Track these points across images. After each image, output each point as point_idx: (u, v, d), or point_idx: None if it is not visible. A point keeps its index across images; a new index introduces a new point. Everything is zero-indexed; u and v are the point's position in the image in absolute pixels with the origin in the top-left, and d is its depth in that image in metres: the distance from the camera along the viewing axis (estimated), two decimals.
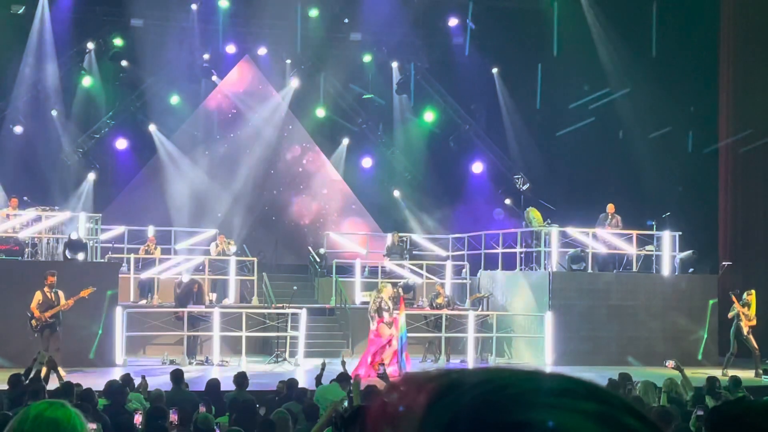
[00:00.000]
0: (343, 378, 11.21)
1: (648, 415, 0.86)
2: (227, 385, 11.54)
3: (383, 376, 11.96)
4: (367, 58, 27.19)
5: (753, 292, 18.17)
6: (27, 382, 10.70)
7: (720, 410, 2.19)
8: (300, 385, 11.67)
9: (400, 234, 23.60)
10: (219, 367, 17.40)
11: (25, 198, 20.38)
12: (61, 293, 15.41)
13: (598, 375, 13.38)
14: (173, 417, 8.24)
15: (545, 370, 0.91)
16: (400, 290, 17.63)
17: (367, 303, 20.36)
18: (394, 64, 27.41)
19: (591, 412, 0.83)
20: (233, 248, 21.63)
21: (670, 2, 24.06)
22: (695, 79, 23.70)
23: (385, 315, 16.62)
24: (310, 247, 24.88)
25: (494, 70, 27.09)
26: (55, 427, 2.28)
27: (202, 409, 9.26)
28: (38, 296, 15.33)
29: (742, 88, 22.33)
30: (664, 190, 23.46)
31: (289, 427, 7.37)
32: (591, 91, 24.86)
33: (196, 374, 15.34)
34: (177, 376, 11.24)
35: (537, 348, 19.29)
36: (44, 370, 11.45)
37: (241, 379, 11.17)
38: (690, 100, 23.69)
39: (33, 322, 15.24)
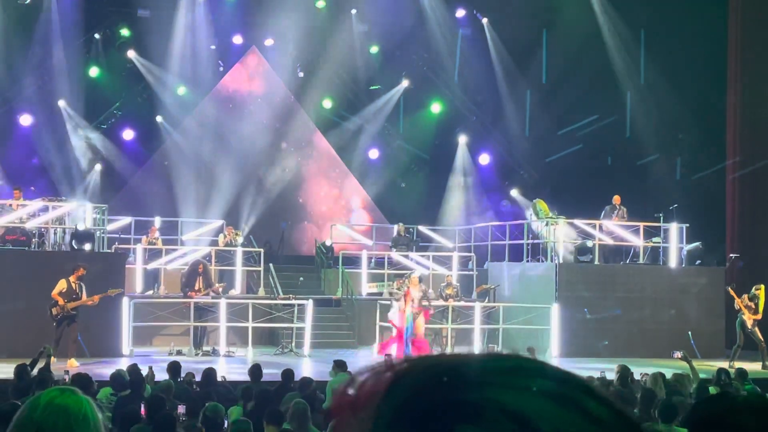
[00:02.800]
0: (340, 365, 11.23)
1: (612, 399, 0.84)
2: (232, 376, 11.53)
3: None
4: (374, 49, 27.14)
5: (762, 287, 18.00)
6: (34, 373, 10.69)
7: (700, 409, 2.15)
8: (304, 375, 11.66)
9: (406, 225, 23.57)
10: (225, 358, 17.42)
11: (32, 188, 20.39)
12: (83, 286, 15.41)
13: (605, 366, 13.36)
14: (181, 409, 8.24)
15: (505, 352, 0.89)
16: (423, 286, 17.59)
17: (373, 294, 20.42)
18: (401, 56, 27.34)
19: (545, 392, 0.81)
20: (240, 239, 21.64)
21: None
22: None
23: (402, 304, 16.67)
24: (316, 239, 24.89)
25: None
26: (65, 415, 2.26)
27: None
28: (62, 284, 15.26)
29: (750, 102, 22.16)
30: (668, 186, 23.34)
31: (308, 417, 7.29)
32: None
33: (203, 365, 15.33)
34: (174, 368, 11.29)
35: (543, 339, 19.26)
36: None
37: (255, 370, 11.22)
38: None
39: (54, 310, 15.13)
